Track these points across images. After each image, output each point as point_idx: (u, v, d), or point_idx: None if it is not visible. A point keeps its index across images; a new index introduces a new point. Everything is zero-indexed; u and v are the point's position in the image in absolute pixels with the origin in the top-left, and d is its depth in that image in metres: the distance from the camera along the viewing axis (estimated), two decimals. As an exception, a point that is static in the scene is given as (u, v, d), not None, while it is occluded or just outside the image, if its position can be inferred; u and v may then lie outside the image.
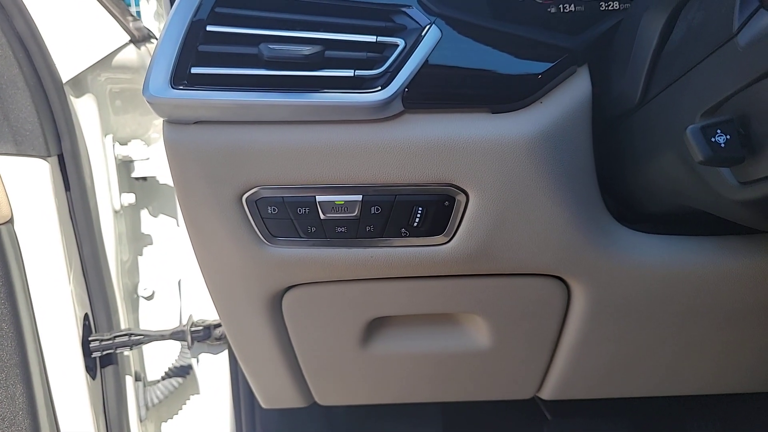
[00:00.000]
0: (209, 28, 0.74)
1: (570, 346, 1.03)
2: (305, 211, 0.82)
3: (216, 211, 0.83)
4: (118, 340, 1.48)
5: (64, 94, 1.36)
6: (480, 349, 1.05)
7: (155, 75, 0.74)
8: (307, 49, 0.73)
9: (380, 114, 0.76)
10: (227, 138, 0.78)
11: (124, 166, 1.73)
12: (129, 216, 1.77)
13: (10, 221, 1.30)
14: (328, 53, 0.74)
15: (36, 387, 1.31)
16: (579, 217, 0.83)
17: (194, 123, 0.78)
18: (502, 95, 0.77)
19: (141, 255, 1.83)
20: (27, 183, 1.31)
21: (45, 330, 1.35)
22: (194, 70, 0.74)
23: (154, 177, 1.78)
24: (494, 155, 0.78)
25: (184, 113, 0.77)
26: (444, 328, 1.06)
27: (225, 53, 0.75)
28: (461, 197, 0.81)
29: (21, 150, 1.30)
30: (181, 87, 0.74)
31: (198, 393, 1.72)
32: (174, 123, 0.79)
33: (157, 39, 1.72)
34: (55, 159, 1.37)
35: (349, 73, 0.74)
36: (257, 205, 0.82)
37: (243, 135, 0.78)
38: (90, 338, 1.46)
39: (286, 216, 0.83)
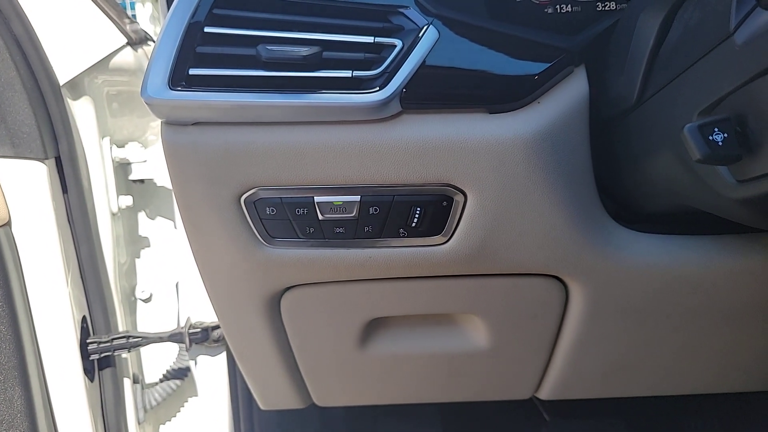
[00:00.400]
0: (207, 29, 0.74)
1: (568, 346, 1.03)
2: (303, 212, 0.82)
3: (214, 212, 0.83)
4: (116, 342, 1.47)
5: (62, 96, 1.36)
6: (478, 349, 1.05)
7: (153, 76, 0.74)
8: (305, 50, 0.73)
9: (378, 114, 0.76)
10: (225, 139, 0.78)
11: (122, 168, 1.73)
12: (126, 218, 1.77)
13: (8, 224, 1.29)
14: (326, 54, 0.74)
15: (34, 389, 1.30)
16: (577, 217, 0.83)
17: (192, 124, 0.78)
18: (500, 95, 0.77)
19: (138, 257, 1.83)
20: (24, 185, 1.31)
21: (43, 332, 1.35)
22: (192, 72, 0.74)
23: (151, 179, 1.78)
24: (492, 155, 0.78)
25: (182, 114, 0.77)
26: (442, 329, 1.06)
27: (223, 54, 0.75)
28: (459, 197, 0.81)
29: (18, 152, 1.30)
30: (179, 88, 0.74)
31: (196, 395, 1.72)
32: (172, 124, 0.79)
33: (154, 41, 1.72)
34: (52, 161, 1.36)
35: (347, 73, 0.75)
36: (255, 205, 0.82)
37: (241, 136, 0.78)
38: (88, 340, 1.45)
39: (284, 217, 0.83)
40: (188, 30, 0.74)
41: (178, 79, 0.74)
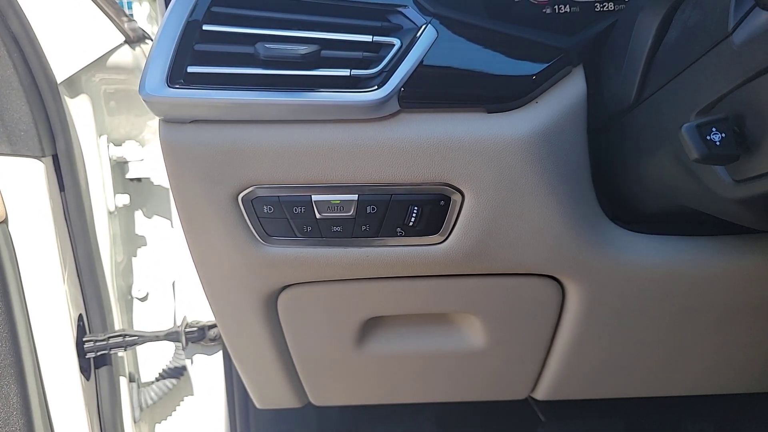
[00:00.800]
0: (205, 27, 0.74)
1: (564, 346, 1.03)
2: (301, 211, 0.82)
3: (212, 211, 0.83)
4: (112, 340, 1.47)
5: (59, 94, 1.36)
6: (475, 349, 1.05)
7: (151, 74, 0.74)
8: (303, 49, 0.73)
9: (376, 113, 0.76)
10: (223, 137, 0.78)
11: (119, 167, 1.73)
12: (123, 217, 1.77)
13: (5, 221, 1.29)
14: (324, 53, 0.74)
15: (30, 387, 1.30)
16: (574, 216, 0.83)
17: (190, 122, 0.78)
18: (498, 95, 0.77)
19: (135, 256, 1.83)
20: (21, 183, 1.31)
21: (39, 330, 1.34)
22: (190, 69, 0.74)
23: (148, 178, 1.77)
24: (490, 155, 0.78)
25: (180, 112, 0.77)
26: (439, 328, 1.06)
27: (221, 52, 0.75)
28: (457, 197, 0.81)
29: (15, 150, 1.30)
30: (178, 86, 0.74)
31: (192, 394, 1.72)
32: (170, 122, 0.79)
33: (151, 39, 1.72)
34: (49, 159, 1.36)
35: (346, 72, 0.75)
36: (253, 204, 0.82)
37: (239, 134, 0.78)
38: (84, 339, 1.45)
39: (281, 215, 0.83)
40: (186, 28, 0.74)
41: (177, 76, 0.74)
